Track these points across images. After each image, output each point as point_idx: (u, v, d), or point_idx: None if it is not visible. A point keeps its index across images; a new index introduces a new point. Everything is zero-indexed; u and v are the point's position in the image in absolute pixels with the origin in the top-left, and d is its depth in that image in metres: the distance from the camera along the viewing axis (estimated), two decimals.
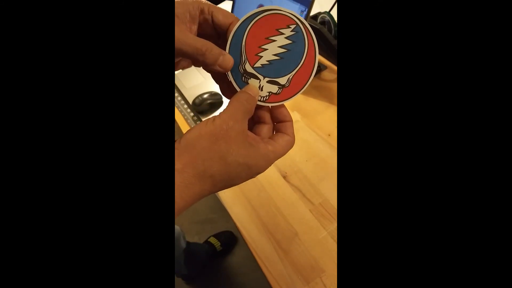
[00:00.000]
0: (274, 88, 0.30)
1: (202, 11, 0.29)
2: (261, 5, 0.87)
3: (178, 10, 0.27)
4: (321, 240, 0.60)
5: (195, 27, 0.29)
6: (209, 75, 0.33)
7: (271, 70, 0.30)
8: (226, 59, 0.28)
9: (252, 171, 0.27)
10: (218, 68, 0.28)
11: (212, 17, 0.29)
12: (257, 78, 0.30)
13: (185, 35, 0.27)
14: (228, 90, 0.32)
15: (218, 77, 0.33)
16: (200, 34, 0.30)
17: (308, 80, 0.30)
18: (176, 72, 0.95)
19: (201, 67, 0.30)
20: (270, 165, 0.29)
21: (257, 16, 0.29)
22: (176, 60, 0.31)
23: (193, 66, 0.33)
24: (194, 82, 0.93)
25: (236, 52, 0.29)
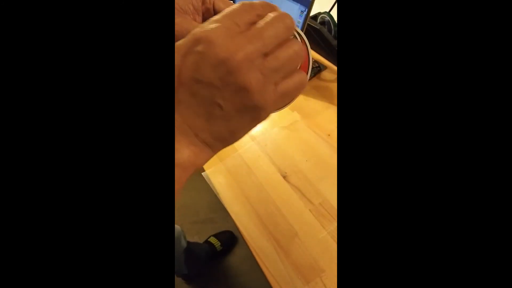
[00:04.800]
0: None
1: (204, 1, 0.30)
2: None
3: (181, 2, 0.28)
4: (321, 240, 0.60)
5: (199, 18, 0.30)
6: None
7: None
8: None
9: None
10: None
11: (213, 5, 0.30)
12: None
13: (191, 23, 0.28)
14: None
15: None
16: None
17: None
18: None
19: None
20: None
21: None
22: None
23: None
24: None
25: None
